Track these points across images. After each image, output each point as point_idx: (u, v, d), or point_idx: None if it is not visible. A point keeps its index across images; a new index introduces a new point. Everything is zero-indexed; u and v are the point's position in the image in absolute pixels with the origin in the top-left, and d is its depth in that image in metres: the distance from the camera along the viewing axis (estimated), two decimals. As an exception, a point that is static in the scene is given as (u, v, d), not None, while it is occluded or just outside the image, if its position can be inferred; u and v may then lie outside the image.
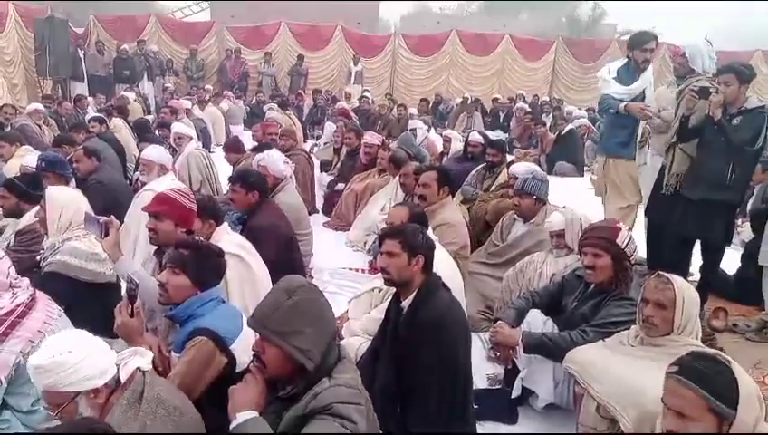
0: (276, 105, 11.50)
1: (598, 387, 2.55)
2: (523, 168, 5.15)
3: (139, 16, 16.17)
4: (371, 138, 7.08)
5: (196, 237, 2.89)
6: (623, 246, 3.02)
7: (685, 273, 4.16)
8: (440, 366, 2.52)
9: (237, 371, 2.37)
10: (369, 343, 3.07)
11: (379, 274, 3.87)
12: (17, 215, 3.88)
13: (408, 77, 17.84)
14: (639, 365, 2.53)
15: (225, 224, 3.45)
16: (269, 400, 1.98)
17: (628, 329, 2.75)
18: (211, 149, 8.91)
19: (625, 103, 4.69)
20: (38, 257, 3.33)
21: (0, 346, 2.44)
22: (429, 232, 3.21)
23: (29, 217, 3.75)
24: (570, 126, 10.63)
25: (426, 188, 4.30)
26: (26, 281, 2.74)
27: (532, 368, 3.10)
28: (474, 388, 2.99)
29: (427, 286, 2.65)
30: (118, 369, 1.93)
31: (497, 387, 3.42)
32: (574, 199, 5.49)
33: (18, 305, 2.57)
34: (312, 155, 7.93)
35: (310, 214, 6.08)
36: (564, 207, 4.17)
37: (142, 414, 1.89)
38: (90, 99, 11.14)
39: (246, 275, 3.23)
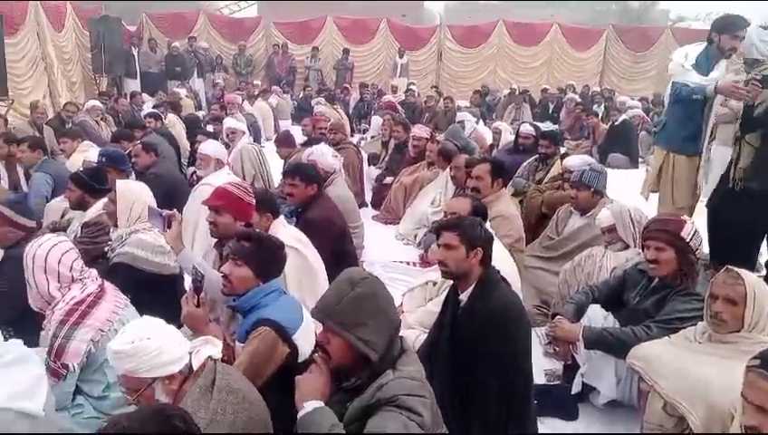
0: (324, 99, 11.59)
1: (664, 383, 2.49)
2: (578, 160, 5.04)
3: (189, 14, 16.49)
4: (420, 131, 7.06)
5: (256, 230, 2.94)
6: (688, 240, 2.93)
7: (751, 268, 4.01)
8: (501, 360, 2.50)
9: (299, 361, 2.41)
10: (425, 335, 3.07)
11: (432, 267, 3.89)
12: (83, 207, 4.02)
13: (454, 69, 17.69)
14: (708, 362, 2.45)
15: (282, 217, 3.50)
16: (333, 390, 2.00)
17: (695, 325, 2.67)
18: (261, 144, 9.03)
19: (717, 84, 4.17)
20: (105, 248, 3.45)
21: (72, 335, 2.54)
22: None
23: (95, 210, 3.88)
24: (623, 116, 10.34)
25: (479, 181, 4.25)
26: (94, 272, 2.83)
27: (593, 364, 3.03)
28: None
29: (486, 279, 2.63)
30: (190, 357, 1.98)
31: (556, 383, 3.37)
32: (629, 192, 5.35)
33: (88, 296, 2.66)
34: (360, 148, 7.96)
35: (359, 207, 6.11)
36: (612, 201, 4.08)
37: (214, 402, 1.93)
38: (145, 95, 11.45)
39: (303, 267, 3.27)
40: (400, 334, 2.10)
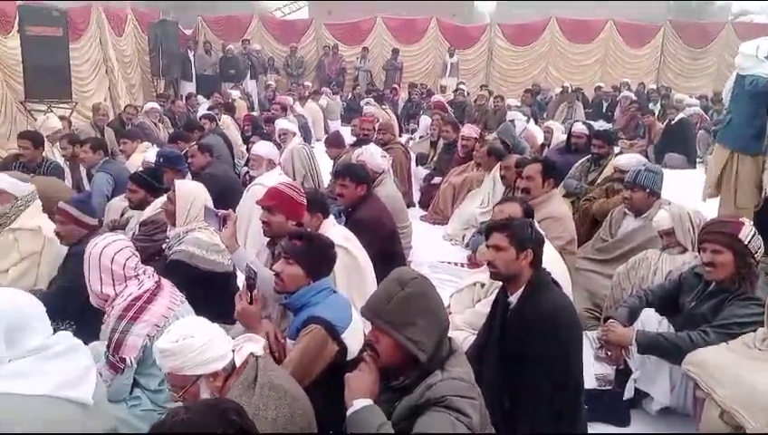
0: (373, 100, 11.66)
1: (722, 391, 2.41)
2: (631, 160, 4.92)
3: (242, 16, 16.85)
4: (469, 130, 7.02)
5: (307, 229, 2.99)
6: (746, 242, 2.82)
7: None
8: (551, 364, 2.46)
9: (348, 359, 2.44)
10: (474, 337, 3.06)
11: (480, 268, 3.87)
12: (142, 207, 4.18)
13: (505, 67, 17.48)
14: (769, 370, 2.36)
15: (332, 217, 3.55)
16: (382, 389, 2.02)
17: (755, 331, 2.58)
18: (311, 144, 9.16)
19: None
20: (163, 246, 3.58)
21: (129, 329, 2.64)
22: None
23: (152, 209, 4.03)
24: (681, 115, 10.00)
25: (529, 181, 4.20)
26: (150, 269, 2.94)
27: (647, 369, 2.96)
28: (583, 387, 2.92)
29: (536, 281, 2.60)
30: (233, 354, 2.03)
31: (607, 388, 3.30)
32: (687, 193, 5.19)
33: (145, 292, 2.76)
34: (408, 148, 7.97)
35: (407, 207, 6.12)
36: (670, 203, 3.96)
37: (256, 398, 1.97)
38: (200, 97, 11.76)
39: (352, 266, 3.30)
40: (449, 335, 2.11)
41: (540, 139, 7.84)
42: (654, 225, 3.63)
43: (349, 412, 1.92)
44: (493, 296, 3.00)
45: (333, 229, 3.42)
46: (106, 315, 2.75)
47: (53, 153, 6.31)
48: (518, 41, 17.37)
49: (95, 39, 11.37)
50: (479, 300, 3.50)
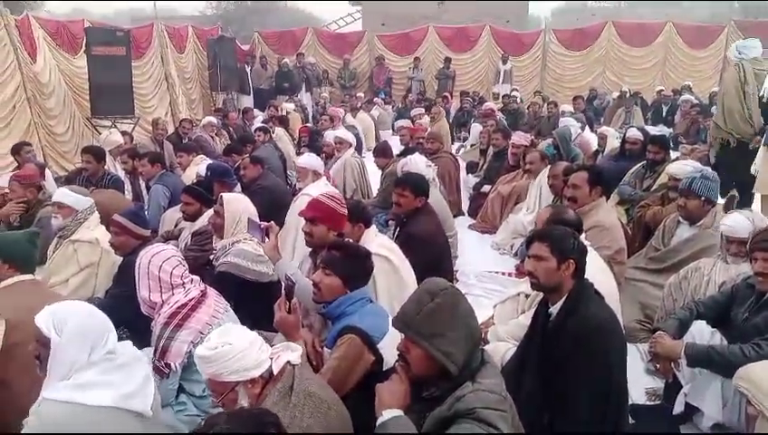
0: (423, 109, 11.67)
1: (775, 409, 2.29)
2: (685, 167, 4.74)
3: (297, 30, 17.23)
4: (519, 138, 6.94)
5: (346, 240, 3.03)
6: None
7: None
8: (591, 377, 2.40)
9: (384, 369, 2.45)
10: (516, 349, 3.01)
11: (526, 278, 3.81)
12: (195, 218, 4.33)
13: (559, 73, 17.18)
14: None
15: (374, 227, 3.57)
16: (412, 399, 2.02)
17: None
18: (362, 154, 9.26)
19: None
20: (210, 257, 3.70)
21: (174, 336, 2.74)
22: (581, 236, 3.07)
23: (203, 220, 4.17)
24: (745, 118, 9.54)
25: (576, 190, 4.12)
26: (197, 278, 3.04)
27: (698, 383, 2.84)
28: (630, 402, 2.83)
29: (577, 293, 2.55)
30: (271, 362, 2.07)
31: (657, 402, 3.19)
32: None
33: (190, 300, 2.87)
34: (458, 157, 7.94)
35: (455, 216, 6.09)
36: (751, 209, 3.76)
37: (292, 406, 2.00)
38: (256, 110, 12.08)
39: (393, 276, 3.31)
40: (482, 347, 2.09)
41: (594, 145, 7.66)
42: (725, 229, 3.35)
43: (378, 422, 1.93)
44: (535, 308, 2.95)
45: (375, 239, 3.44)
46: (153, 322, 2.87)
47: (115, 167, 6.62)
48: (573, 46, 17.05)
49: (157, 57, 11.87)
50: (523, 311, 3.46)
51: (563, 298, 2.56)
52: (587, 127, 9.60)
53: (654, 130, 7.93)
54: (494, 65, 16.65)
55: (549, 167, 5.49)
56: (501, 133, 7.44)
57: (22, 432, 1.95)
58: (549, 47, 17.12)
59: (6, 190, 4.82)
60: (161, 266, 2.84)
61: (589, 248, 2.80)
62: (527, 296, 3.46)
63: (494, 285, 4.86)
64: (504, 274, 5.18)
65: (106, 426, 1.98)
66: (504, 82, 15.78)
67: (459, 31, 17.14)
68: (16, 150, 6.41)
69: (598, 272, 3.09)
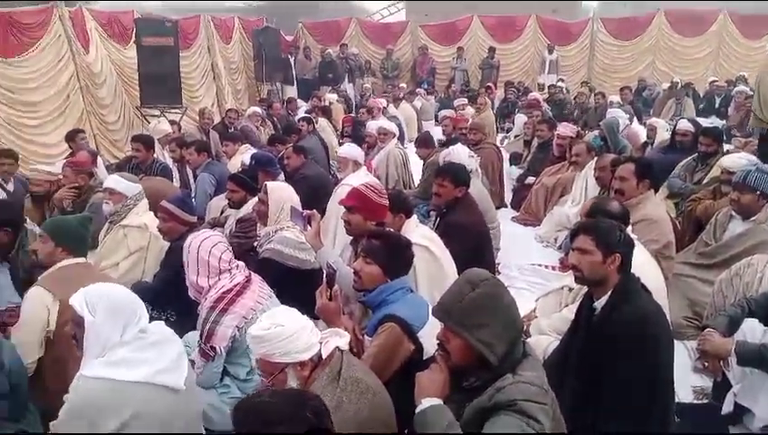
0: (466, 100, 11.57)
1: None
2: (739, 160, 4.57)
3: (341, 21, 17.26)
4: (565, 129, 6.81)
5: (387, 229, 3.04)
6: None
7: None
8: (636, 374, 2.35)
9: (424, 358, 2.45)
10: (558, 342, 2.97)
11: (571, 271, 3.75)
12: (240, 205, 4.41)
13: (608, 63, 16.74)
14: None
15: (415, 217, 3.57)
16: (452, 389, 2.01)
17: None
18: (404, 145, 9.24)
19: None
20: (254, 243, 3.76)
21: (220, 320, 2.81)
22: (628, 229, 3.01)
23: (248, 207, 4.25)
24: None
25: (623, 182, 4.01)
26: (242, 264, 3.11)
27: (749, 383, 2.74)
28: (677, 401, 2.76)
29: (623, 287, 2.49)
30: (320, 346, 2.10)
31: (705, 402, 3.10)
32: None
33: (235, 285, 2.94)
34: (501, 148, 7.85)
35: (498, 208, 6.05)
36: None
37: (339, 391, 2.04)
38: (300, 101, 12.19)
39: (434, 266, 3.30)
40: (526, 340, 2.07)
41: (642, 137, 7.47)
42: None
43: (417, 410, 1.94)
44: (579, 302, 2.90)
45: (416, 230, 3.44)
46: (200, 306, 2.94)
47: (163, 155, 6.78)
48: (622, 35, 16.58)
49: (204, 47, 12.06)
50: (567, 305, 3.41)
51: (608, 292, 2.51)
52: (635, 118, 9.36)
53: (706, 122, 7.66)
54: (540, 55, 16.35)
55: (595, 159, 5.38)
56: (546, 124, 7.32)
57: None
58: (597, 36, 16.70)
59: (60, 176, 4.99)
60: (210, 251, 2.92)
61: (636, 242, 2.73)
62: (571, 290, 3.41)
63: (536, 278, 4.81)
64: (547, 267, 5.11)
65: (138, 400, 2.05)
66: (549, 73, 15.49)
67: (504, 20, 16.87)
68: (70, 137, 6.63)
69: (645, 266, 3.02)
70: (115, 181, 4.11)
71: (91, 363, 2.06)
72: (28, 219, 3.94)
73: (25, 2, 8.25)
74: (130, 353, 2.09)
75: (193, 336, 3.12)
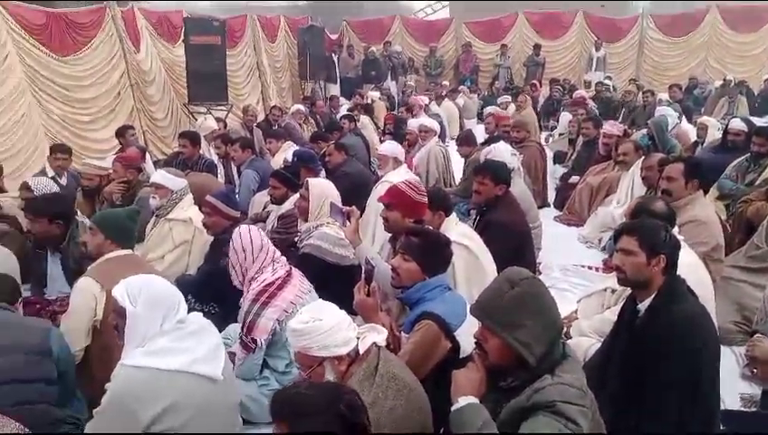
0: (510, 97, 11.44)
1: None
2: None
3: (385, 19, 17.28)
4: (611, 127, 6.67)
5: (426, 227, 3.03)
6: None
7: None
8: (680, 378, 2.29)
9: (461, 357, 2.44)
10: (600, 344, 2.92)
11: (613, 273, 3.67)
12: (281, 202, 4.47)
13: (657, 60, 16.26)
14: None
15: (454, 215, 3.55)
16: (489, 388, 2.00)
17: None
18: (446, 143, 9.20)
19: None
20: (295, 239, 3.81)
21: (261, 313, 2.86)
22: (675, 230, 2.93)
23: (289, 203, 4.30)
24: None
25: (671, 182, 3.91)
26: (283, 258, 3.15)
27: (800, 392, 2.65)
28: (723, 408, 2.67)
29: (668, 289, 2.43)
30: (358, 341, 2.12)
31: (753, 410, 3.00)
32: None
33: (277, 279, 2.99)
34: (545, 146, 7.74)
35: (541, 207, 5.97)
36: None
37: (375, 387, 2.05)
38: (342, 98, 12.26)
39: (473, 265, 3.28)
40: (564, 341, 2.04)
41: (692, 136, 7.25)
42: None
43: (453, 408, 1.93)
44: (622, 304, 2.84)
45: (456, 228, 3.42)
46: (242, 298, 2.99)
47: (209, 151, 6.92)
48: (673, 31, 16.09)
49: (250, 46, 12.25)
50: (609, 307, 3.35)
51: (652, 295, 2.45)
52: (683, 117, 9.08)
53: (760, 122, 7.39)
54: (587, 52, 16.03)
55: (642, 158, 5.24)
56: (592, 122, 7.18)
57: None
58: (646, 33, 16.26)
59: (110, 171, 5.15)
60: (255, 244, 2.96)
61: (683, 244, 2.66)
62: (614, 292, 3.36)
63: (579, 280, 4.72)
64: (590, 268, 5.01)
65: (177, 388, 2.10)
66: (596, 70, 15.16)
67: (550, 17, 16.59)
68: (121, 133, 6.85)
69: (691, 269, 2.94)
70: (162, 176, 4.22)
71: (132, 353, 2.12)
72: (79, 212, 4.08)
73: (80, 2, 8.52)
74: (169, 343, 2.15)
75: (234, 328, 3.19)
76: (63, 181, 5.43)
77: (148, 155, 6.52)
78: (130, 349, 2.13)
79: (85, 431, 2.20)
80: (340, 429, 1.54)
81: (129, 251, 3.11)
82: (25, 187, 4.56)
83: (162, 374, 2.09)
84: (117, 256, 3.02)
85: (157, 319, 2.15)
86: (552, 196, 6.93)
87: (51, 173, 5.40)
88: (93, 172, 5.17)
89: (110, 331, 2.74)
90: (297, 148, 6.17)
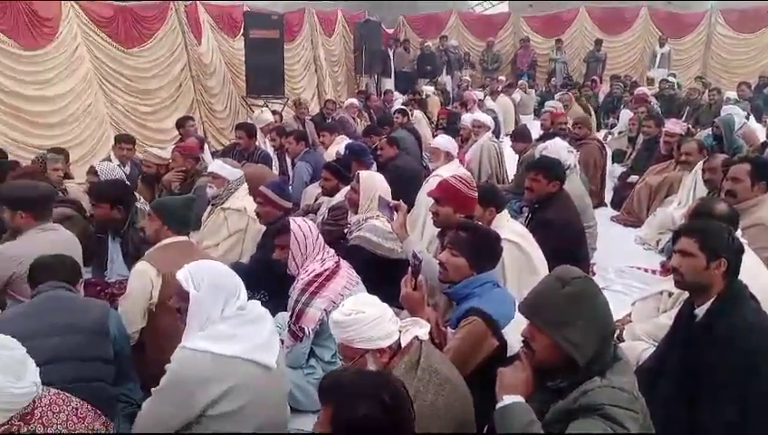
0: (570, 94, 11.18)
1: None
2: None
3: (442, 13, 17.17)
4: (674, 126, 6.43)
5: (476, 222, 3.00)
6: None
7: None
8: (740, 389, 2.19)
9: (508, 355, 2.40)
10: (654, 349, 2.83)
11: (670, 276, 3.55)
12: (332, 194, 4.51)
13: (726, 57, 15.55)
14: None
15: (506, 211, 3.50)
16: (536, 388, 1.96)
17: None
18: (500, 139, 9.08)
19: None
20: (345, 231, 3.84)
21: (310, 302, 2.90)
22: (738, 233, 2.80)
23: (340, 196, 4.33)
24: None
25: (736, 183, 3.74)
26: (332, 250, 3.18)
27: None
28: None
29: (728, 294, 2.33)
30: (400, 334, 2.11)
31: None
32: None
33: (326, 269, 3.02)
34: (605, 144, 7.53)
35: (597, 207, 5.82)
36: None
37: (416, 381, 2.04)
38: (396, 93, 12.26)
39: (524, 262, 3.23)
40: (616, 343, 1.98)
41: (761, 137, 6.92)
42: None
43: (497, 406, 1.90)
44: (678, 308, 2.74)
45: (507, 224, 3.37)
46: (291, 287, 3.04)
47: (265, 143, 7.06)
48: (744, 27, 15.34)
49: (307, 40, 12.40)
50: (665, 310, 3.24)
51: (711, 299, 2.35)
52: (752, 116, 8.66)
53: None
54: (650, 48, 15.48)
55: (705, 159, 5.04)
56: (653, 120, 6.95)
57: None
58: (714, 29, 15.58)
59: (170, 160, 5.31)
60: (307, 234, 3.00)
61: (746, 248, 2.54)
62: (671, 295, 3.23)
63: (634, 282, 4.58)
64: (646, 270, 4.85)
65: (234, 374, 2.14)
66: (660, 67, 14.63)
67: (613, 11, 16.10)
68: (181, 124, 7.06)
69: (754, 273, 2.80)
70: (219, 166, 4.32)
71: (193, 336, 2.17)
72: (142, 198, 4.23)
73: (146, -5, 8.81)
74: (230, 329, 2.19)
75: (283, 317, 3.24)
76: (126, 169, 5.63)
77: (206, 145, 6.70)
78: (192, 332, 2.18)
79: (142, 408, 2.27)
80: (381, 416, 1.53)
81: (185, 238, 3.19)
82: (92, 171, 4.76)
83: (221, 359, 2.13)
84: (173, 242, 3.11)
85: (218, 304, 2.19)
86: (608, 195, 6.74)
87: (115, 162, 5.61)
88: (153, 161, 5.35)
89: (164, 314, 2.85)
90: (349, 141, 6.21)
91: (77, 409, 1.89)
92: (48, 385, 1.95)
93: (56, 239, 3.26)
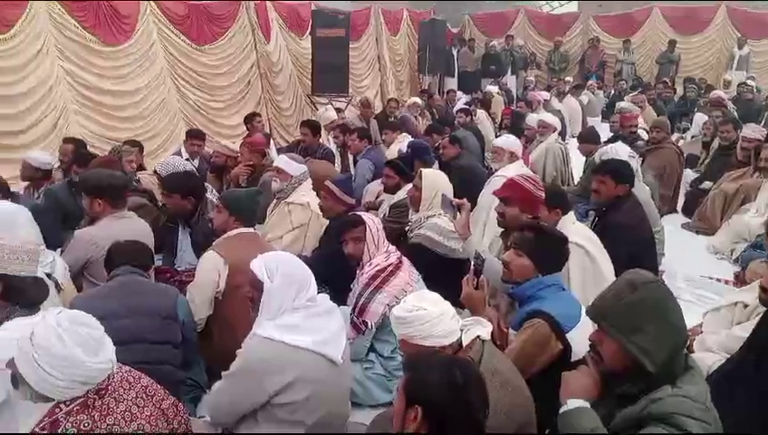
0: (644, 97, 10.80)
1: None
2: None
3: (509, 13, 16.91)
4: (753, 131, 6.11)
5: (542, 223, 2.94)
6: None
7: None
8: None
9: (572, 360, 2.35)
10: (725, 362, 2.70)
11: (747, 286, 3.38)
12: (394, 191, 4.53)
13: (813, 60, 14.73)
14: None
15: (572, 213, 3.42)
16: (603, 394, 1.90)
17: None
18: (566, 140, 8.88)
19: None
20: (406, 228, 3.84)
21: (373, 297, 2.93)
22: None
23: (402, 193, 4.35)
24: None
25: (823, 192, 3.53)
26: (393, 247, 3.19)
27: None
28: None
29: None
30: (461, 333, 2.10)
31: None
32: None
33: (389, 265, 3.05)
34: (682, 151, 7.24)
35: (668, 213, 5.64)
36: None
37: None
38: (459, 93, 12.17)
39: (590, 267, 3.15)
40: (687, 352, 1.90)
41: None
42: None
43: (561, 410, 1.86)
44: (757, 320, 2.61)
45: (573, 227, 3.29)
46: (354, 281, 3.07)
47: (329, 140, 7.15)
48: (840, 26, 14.45)
49: (372, 38, 12.47)
50: (739, 322, 3.09)
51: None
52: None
53: None
54: (728, 50, 14.78)
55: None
56: (731, 125, 6.62)
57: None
58: (801, 29, 14.73)
59: (237, 154, 5.46)
60: (377, 227, 3.05)
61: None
62: (746, 306, 3.08)
63: (706, 292, 4.39)
64: (719, 280, 4.64)
65: (302, 364, 2.18)
66: (738, 69, 13.95)
67: (688, 11, 15.44)
68: (248, 120, 7.25)
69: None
70: (284, 162, 4.40)
71: (265, 324, 2.21)
72: (212, 189, 4.36)
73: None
74: (300, 320, 2.23)
75: (344, 310, 3.27)
76: (195, 163, 5.82)
77: (272, 141, 6.84)
78: (263, 321, 2.22)
79: (212, 391, 2.34)
80: (451, 389, 1.61)
81: (250, 229, 3.28)
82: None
83: (292, 349, 2.17)
84: (239, 234, 3.20)
85: (290, 295, 2.23)
86: (680, 201, 6.48)
87: (185, 155, 5.81)
88: (224, 152, 5.53)
89: (230, 302, 2.94)
90: (412, 139, 6.21)
91: (146, 387, 1.96)
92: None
93: (130, 227, 3.41)
